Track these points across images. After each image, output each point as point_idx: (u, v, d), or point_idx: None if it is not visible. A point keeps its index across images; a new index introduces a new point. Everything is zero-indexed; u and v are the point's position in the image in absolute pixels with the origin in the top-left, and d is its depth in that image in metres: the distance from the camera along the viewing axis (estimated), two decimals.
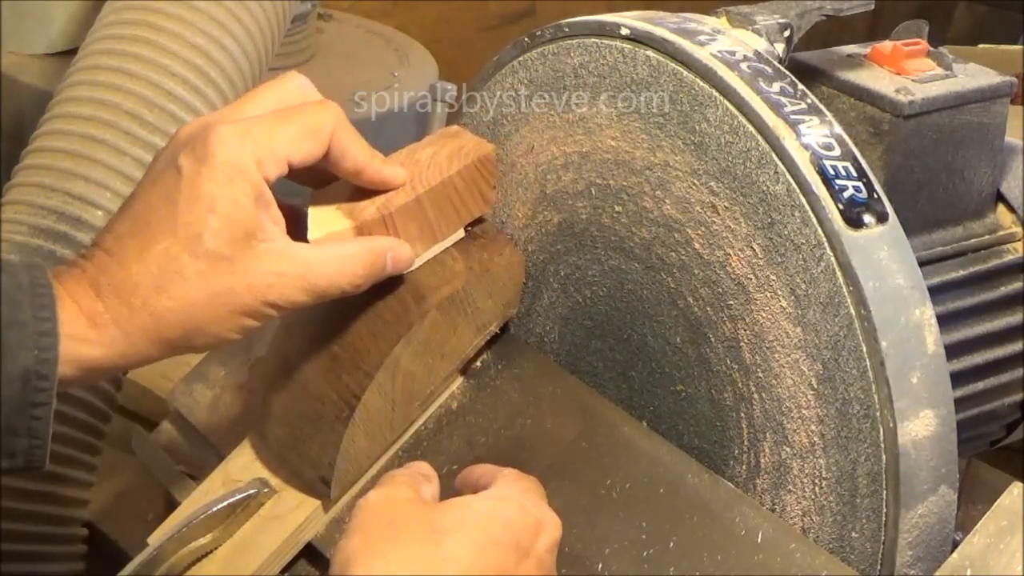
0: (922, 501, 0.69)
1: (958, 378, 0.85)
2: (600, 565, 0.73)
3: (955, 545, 0.67)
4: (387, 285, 0.74)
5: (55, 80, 1.13)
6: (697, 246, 0.75)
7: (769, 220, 0.71)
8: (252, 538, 0.76)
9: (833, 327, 0.69)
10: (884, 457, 0.68)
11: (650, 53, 0.75)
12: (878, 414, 0.68)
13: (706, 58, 0.73)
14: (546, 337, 0.87)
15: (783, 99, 0.72)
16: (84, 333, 0.63)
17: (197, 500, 0.77)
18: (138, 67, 1.05)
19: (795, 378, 0.71)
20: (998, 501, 0.67)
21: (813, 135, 0.71)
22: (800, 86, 0.74)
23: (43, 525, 1.01)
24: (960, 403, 0.79)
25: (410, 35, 1.97)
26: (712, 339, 0.75)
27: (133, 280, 0.64)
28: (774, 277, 0.71)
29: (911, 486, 0.68)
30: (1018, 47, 1.90)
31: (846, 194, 0.69)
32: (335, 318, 0.74)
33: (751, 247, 0.72)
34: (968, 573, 0.65)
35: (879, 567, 0.69)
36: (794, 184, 0.69)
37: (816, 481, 0.71)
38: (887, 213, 0.71)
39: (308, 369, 0.74)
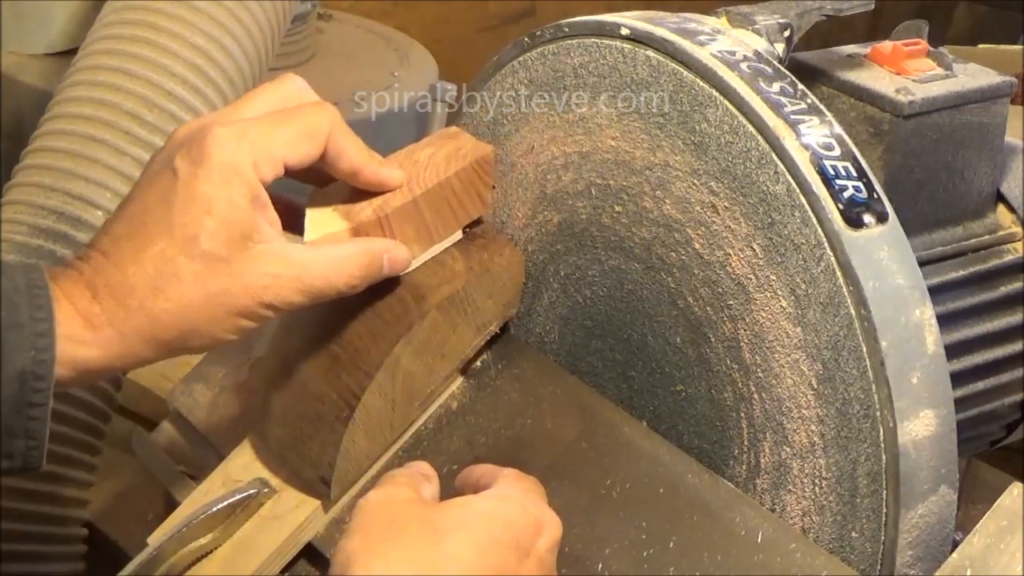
0: (922, 501, 0.69)
1: (958, 378, 0.85)
2: (600, 565, 0.73)
3: (955, 545, 0.68)
4: (387, 285, 0.74)
5: (55, 80, 1.13)
6: (697, 246, 0.75)
7: (769, 220, 0.71)
8: (252, 538, 0.76)
9: (833, 327, 0.69)
10: (884, 457, 0.68)
11: (650, 53, 0.75)
12: (878, 414, 0.68)
13: (706, 58, 0.73)
14: (546, 337, 0.87)
15: (783, 99, 0.72)
16: (80, 334, 0.63)
17: (197, 500, 0.77)
18: (138, 67, 1.05)
19: (795, 378, 0.71)
20: (998, 501, 0.67)
21: (813, 135, 0.71)
22: (800, 86, 0.74)
23: (43, 525, 1.01)
24: (960, 403, 0.79)
25: (410, 35, 1.98)
26: (712, 339, 0.75)
27: (129, 282, 0.64)
28: (774, 277, 0.71)
29: (911, 486, 0.68)
30: (1018, 47, 1.90)
31: (846, 194, 0.69)
32: (335, 318, 0.74)
33: (751, 247, 0.72)
34: (968, 573, 0.65)
35: (879, 567, 0.69)
36: (794, 184, 0.69)
37: (816, 481, 0.71)
38: (887, 213, 0.71)
39: (308, 369, 0.74)
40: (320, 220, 0.71)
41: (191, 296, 0.64)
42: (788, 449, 0.72)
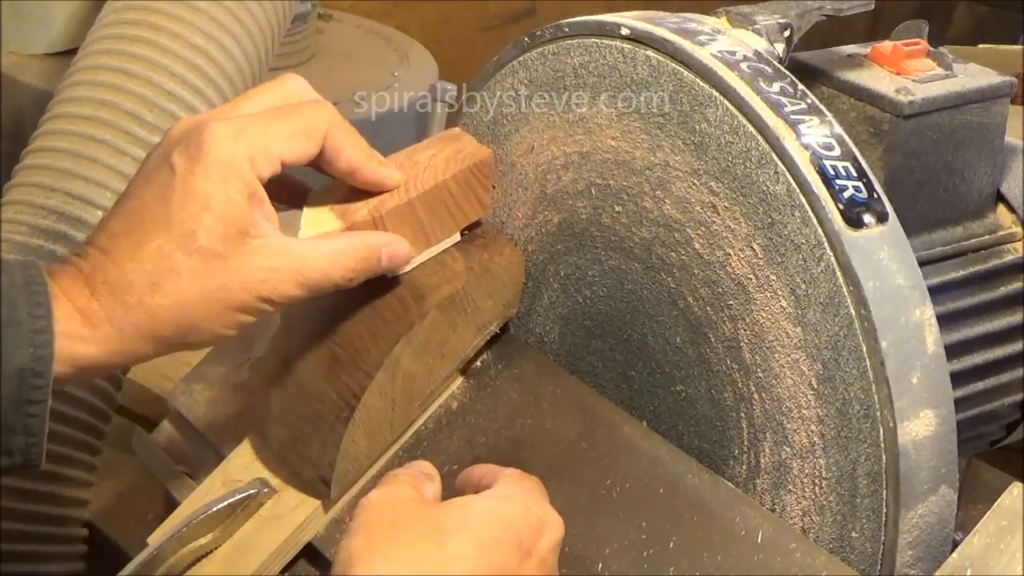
0: (922, 501, 0.69)
1: (958, 378, 0.85)
2: (600, 565, 0.73)
3: (955, 545, 0.67)
4: (387, 285, 0.74)
5: (55, 80, 1.13)
6: (697, 246, 0.75)
7: (769, 220, 0.71)
8: (252, 538, 0.76)
9: (833, 327, 0.69)
10: (884, 457, 0.68)
11: (650, 53, 0.75)
12: (878, 414, 0.68)
13: (706, 58, 0.73)
14: (546, 337, 0.87)
15: (783, 99, 0.72)
16: (79, 331, 0.63)
17: (197, 500, 0.77)
18: (138, 67, 1.05)
19: (795, 378, 0.71)
20: (998, 501, 0.67)
21: (813, 135, 0.71)
22: (800, 86, 0.74)
23: (43, 525, 1.01)
24: (960, 403, 0.79)
25: (410, 35, 1.97)
26: (712, 339, 0.75)
27: (127, 278, 0.64)
28: (774, 277, 0.71)
29: (911, 486, 0.68)
30: (1018, 47, 1.90)
31: (846, 194, 0.69)
32: (335, 318, 0.74)
33: (751, 247, 0.72)
34: (968, 573, 0.65)
35: (879, 567, 0.69)
36: (794, 184, 0.69)
37: (816, 481, 0.71)
38: (887, 213, 0.71)
39: (308, 369, 0.74)
40: (315, 218, 0.72)
41: (189, 292, 0.64)
42: (788, 449, 0.72)
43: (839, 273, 0.68)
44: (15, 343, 0.61)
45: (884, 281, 0.68)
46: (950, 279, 0.89)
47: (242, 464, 0.79)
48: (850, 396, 0.69)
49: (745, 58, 0.74)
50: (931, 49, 0.91)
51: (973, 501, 0.98)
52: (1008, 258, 0.92)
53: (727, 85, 0.72)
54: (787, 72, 0.75)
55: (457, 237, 0.78)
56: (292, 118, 0.68)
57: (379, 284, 0.73)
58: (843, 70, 0.89)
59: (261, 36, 1.12)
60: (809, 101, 0.73)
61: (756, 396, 0.73)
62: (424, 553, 0.61)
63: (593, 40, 0.78)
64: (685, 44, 0.74)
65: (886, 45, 0.90)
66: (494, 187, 0.85)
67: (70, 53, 1.15)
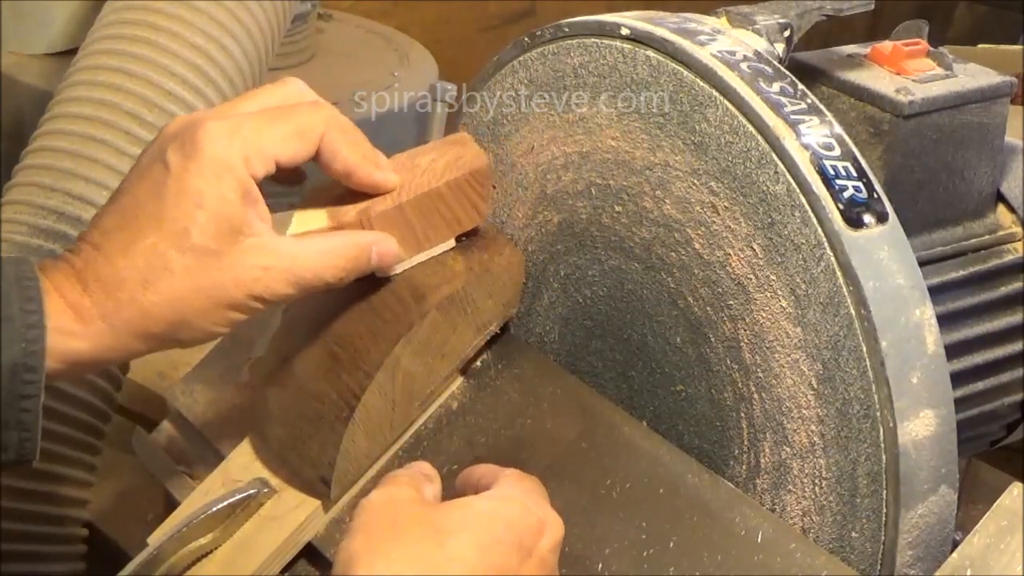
0: (922, 501, 0.69)
1: (958, 378, 0.85)
2: (600, 565, 0.73)
3: (955, 545, 0.67)
4: (387, 285, 0.74)
5: (55, 80, 1.13)
6: (697, 246, 0.75)
7: (769, 220, 0.71)
8: (252, 538, 0.76)
9: (833, 327, 0.69)
10: (884, 457, 0.68)
11: (650, 53, 0.75)
12: (878, 414, 0.68)
13: (706, 58, 0.73)
14: (546, 337, 0.87)
15: (783, 99, 0.72)
16: (70, 327, 0.63)
17: (197, 500, 0.77)
18: (138, 67, 1.05)
19: (795, 378, 0.71)
20: (998, 501, 0.67)
21: (813, 135, 0.71)
22: (800, 86, 0.74)
23: (43, 525, 1.01)
24: (960, 403, 0.79)
25: (410, 35, 1.98)
26: (712, 339, 0.75)
27: (120, 274, 0.64)
28: (774, 277, 0.71)
29: (911, 486, 0.68)
30: (1018, 47, 1.90)
31: (846, 194, 0.69)
32: (335, 318, 0.74)
33: (751, 247, 0.72)
34: (968, 573, 0.65)
35: (879, 567, 0.69)
36: (794, 184, 0.69)
37: (816, 481, 0.71)
38: (887, 213, 0.71)
39: (308, 369, 0.74)
40: (305, 217, 0.72)
41: (181, 289, 0.64)
42: (788, 449, 0.72)
43: (839, 273, 0.68)
44: (7, 339, 0.61)
45: (884, 281, 0.68)
46: (950, 279, 0.89)
47: (242, 464, 0.79)
48: (850, 396, 0.69)
49: (745, 58, 0.74)
50: (931, 49, 0.91)
51: (973, 501, 0.98)
52: (1008, 258, 0.92)
53: (727, 85, 0.72)
54: (787, 72, 0.75)
55: (452, 243, 0.78)
56: (288, 119, 0.68)
57: (379, 284, 0.73)
58: (843, 70, 0.89)
59: (261, 36, 1.12)
60: (809, 101, 0.73)
61: (756, 396, 0.73)
62: (424, 553, 0.61)
63: (593, 40, 0.78)
64: (685, 44, 0.74)
65: (886, 45, 0.90)
66: (494, 187, 0.85)
67: (70, 53, 1.15)
